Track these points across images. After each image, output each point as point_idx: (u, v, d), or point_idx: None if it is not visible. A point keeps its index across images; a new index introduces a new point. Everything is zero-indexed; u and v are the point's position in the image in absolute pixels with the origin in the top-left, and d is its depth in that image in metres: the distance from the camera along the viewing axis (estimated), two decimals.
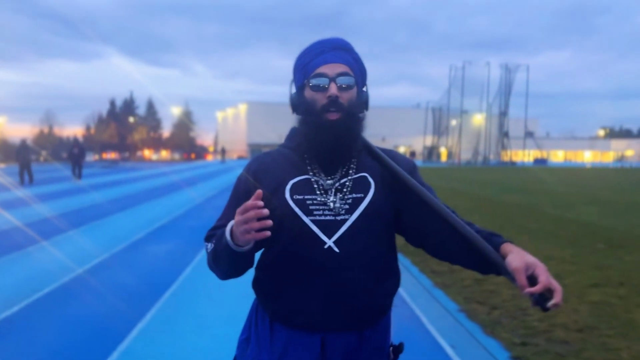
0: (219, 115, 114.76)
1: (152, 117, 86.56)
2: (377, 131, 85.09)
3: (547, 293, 1.26)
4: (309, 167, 1.51)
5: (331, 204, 1.46)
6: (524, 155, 71.14)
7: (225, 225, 1.42)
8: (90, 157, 68.50)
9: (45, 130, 73.81)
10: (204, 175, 28.60)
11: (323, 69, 1.46)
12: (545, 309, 1.26)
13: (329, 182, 1.49)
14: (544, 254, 7.27)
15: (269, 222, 1.28)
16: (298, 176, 1.50)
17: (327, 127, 1.44)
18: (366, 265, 1.47)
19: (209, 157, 51.20)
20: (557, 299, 1.24)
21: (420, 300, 5.21)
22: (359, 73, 1.52)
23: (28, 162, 20.40)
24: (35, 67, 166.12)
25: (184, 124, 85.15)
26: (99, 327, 4.29)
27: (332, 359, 1.48)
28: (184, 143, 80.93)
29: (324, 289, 1.44)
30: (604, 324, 4.41)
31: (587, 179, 30.55)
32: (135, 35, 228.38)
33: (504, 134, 66.06)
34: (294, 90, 1.54)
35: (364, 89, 1.55)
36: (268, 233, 1.28)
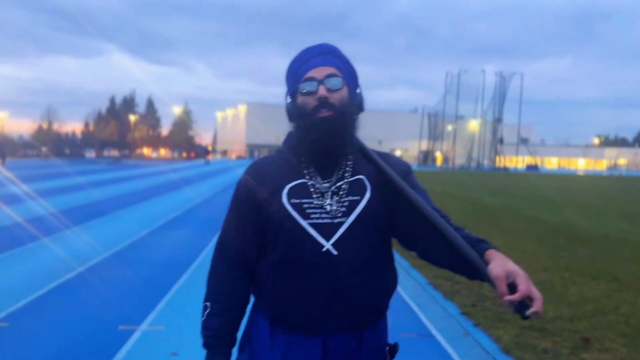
0: (219, 115, 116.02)
1: (151, 115, 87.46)
2: (374, 134, 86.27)
3: (528, 301, 1.25)
4: (305, 171, 1.52)
5: (328, 207, 1.47)
6: (517, 162, 72.51)
7: (235, 240, 1.56)
8: (91, 154, 69.46)
9: (45, 126, 74.10)
10: (211, 173, 29.82)
11: (311, 73, 1.49)
12: (525, 317, 1.25)
13: (325, 185, 1.50)
14: (509, 246, 8.42)
15: None
16: (294, 180, 1.51)
17: (319, 125, 1.45)
18: (364, 266, 1.48)
19: (209, 157, 52.57)
20: (536, 307, 1.25)
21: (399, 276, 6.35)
22: (349, 75, 1.54)
23: None
24: (37, 62, 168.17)
25: (183, 123, 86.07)
26: (150, 283, 5.46)
27: None
28: (183, 142, 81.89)
29: (323, 291, 1.45)
30: (542, 295, 5.55)
31: (574, 185, 31.85)
32: (137, 32, 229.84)
33: (497, 140, 67.53)
34: (289, 100, 1.56)
35: (358, 90, 1.56)
36: None
